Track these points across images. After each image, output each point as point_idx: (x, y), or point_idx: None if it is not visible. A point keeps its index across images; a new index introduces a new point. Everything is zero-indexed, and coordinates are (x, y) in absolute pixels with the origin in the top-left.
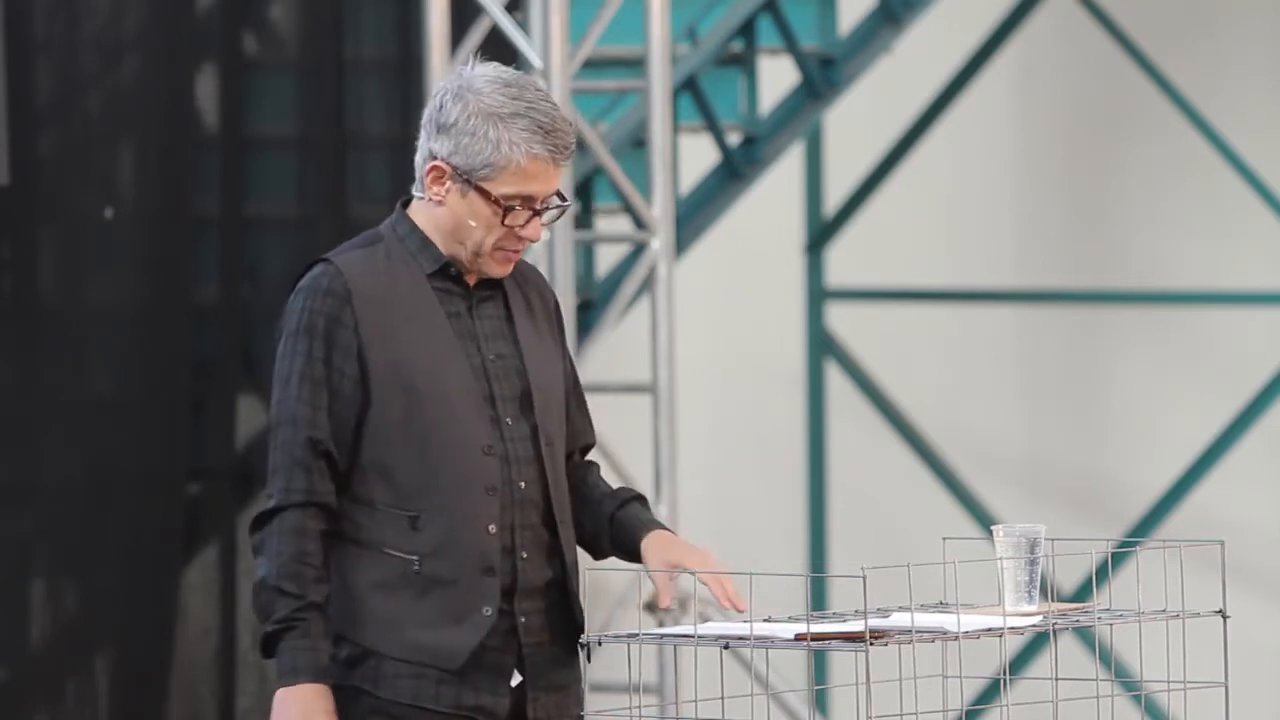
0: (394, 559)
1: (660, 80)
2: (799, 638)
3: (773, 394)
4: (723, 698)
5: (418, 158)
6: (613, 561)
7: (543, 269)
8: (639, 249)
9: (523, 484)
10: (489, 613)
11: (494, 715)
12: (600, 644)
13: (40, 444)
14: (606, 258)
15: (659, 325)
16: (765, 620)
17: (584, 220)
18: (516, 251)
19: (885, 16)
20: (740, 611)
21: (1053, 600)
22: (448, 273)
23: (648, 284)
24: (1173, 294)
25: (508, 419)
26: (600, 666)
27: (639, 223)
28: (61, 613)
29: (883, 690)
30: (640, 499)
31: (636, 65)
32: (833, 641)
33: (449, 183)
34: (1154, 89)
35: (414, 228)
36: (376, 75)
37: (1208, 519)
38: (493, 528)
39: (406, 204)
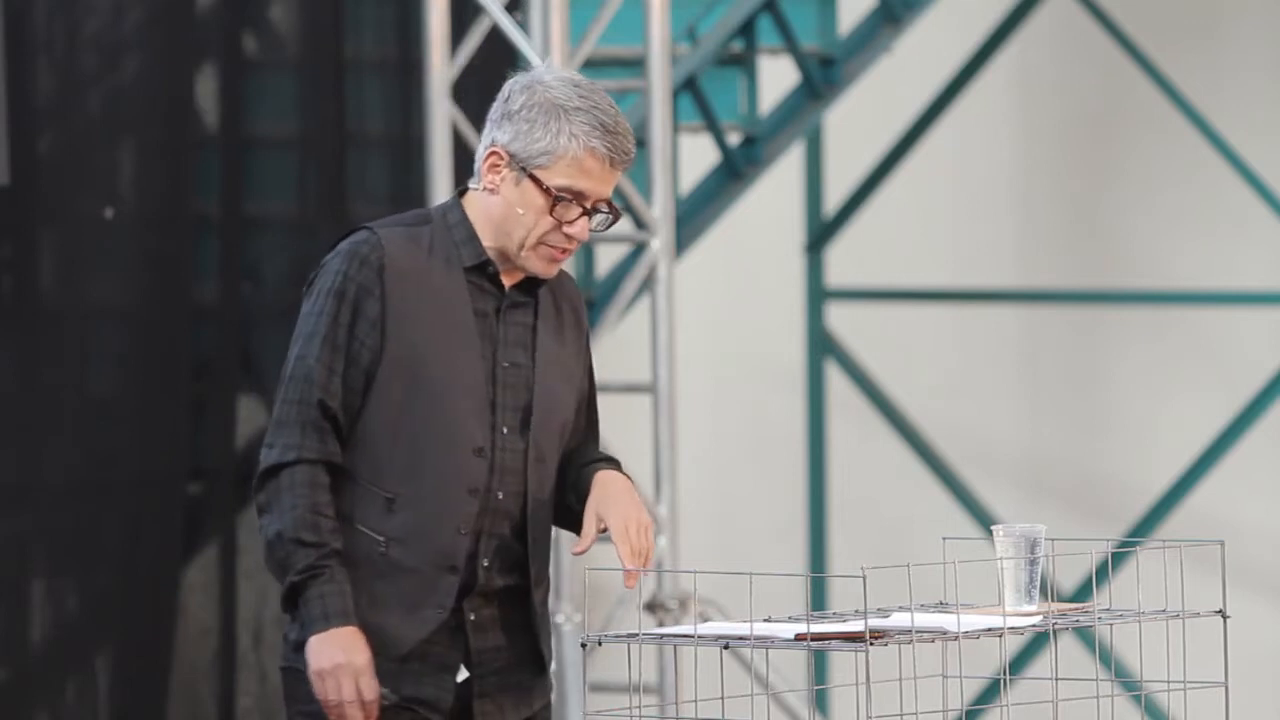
0: (363, 536)
1: (660, 80)
2: (799, 638)
3: (773, 394)
4: (723, 698)
5: (479, 149)
6: (613, 561)
7: None
8: (639, 249)
9: (500, 494)
10: (441, 610)
11: (435, 707)
12: (600, 644)
13: (40, 444)
14: (606, 258)
15: (659, 325)
16: (765, 620)
17: None
18: (563, 251)
19: (885, 16)
20: (634, 575)
21: (1053, 600)
22: (485, 270)
23: (648, 284)
24: (1172, 294)
25: (504, 428)
26: (600, 666)
27: (639, 223)
28: (61, 613)
29: (883, 690)
30: (613, 460)
31: (636, 65)
32: (833, 641)
33: (504, 170)
34: (1154, 89)
35: (464, 218)
36: (376, 75)
37: (1208, 519)
38: (463, 529)
39: (464, 193)
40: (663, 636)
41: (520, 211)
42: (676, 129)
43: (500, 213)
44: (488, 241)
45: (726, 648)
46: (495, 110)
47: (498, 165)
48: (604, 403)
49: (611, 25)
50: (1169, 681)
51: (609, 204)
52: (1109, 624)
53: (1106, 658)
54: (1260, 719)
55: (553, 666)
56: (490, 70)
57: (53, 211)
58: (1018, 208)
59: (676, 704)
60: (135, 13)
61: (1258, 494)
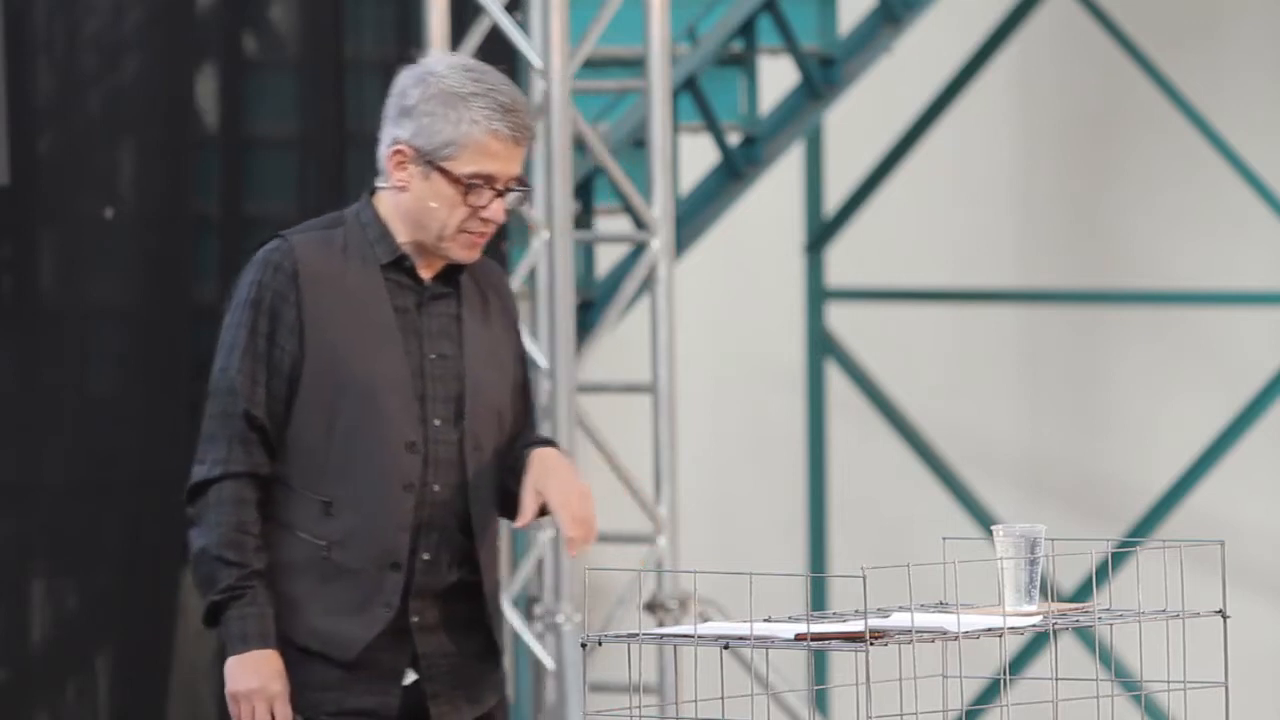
0: (304, 542)
1: (660, 80)
2: (799, 638)
3: (773, 394)
4: (723, 698)
5: (381, 147)
6: (613, 561)
7: (542, 269)
8: (639, 249)
9: (437, 487)
10: (389, 609)
11: (379, 716)
12: (600, 644)
13: (40, 444)
14: (606, 258)
15: (659, 325)
16: (765, 620)
17: (584, 220)
18: (482, 235)
19: (885, 16)
20: (576, 543)
21: (1053, 600)
22: (402, 266)
23: (648, 284)
24: (1172, 294)
25: (436, 420)
26: (600, 666)
27: (639, 223)
28: (61, 613)
29: (883, 690)
30: (548, 440)
31: (636, 65)
32: (833, 641)
33: (411, 166)
34: (1154, 89)
35: (376, 217)
36: (376, 75)
37: (1208, 519)
38: (404, 524)
39: (374, 192)
40: (663, 636)
41: (434, 205)
42: (676, 129)
43: (413, 208)
44: (403, 237)
45: (726, 648)
46: (391, 107)
47: (403, 162)
48: (604, 403)
49: (611, 25)
50: (1169, 681)
51: (519, 180)
52: (1109, 624)
53: (1106, 658)
54: (1260, 719)
55: (552, 666)
56: None
57: (53, 211)
58: (1018, 208)
59: (676, 704)
60: (135, 13)
61: (1258, 494)
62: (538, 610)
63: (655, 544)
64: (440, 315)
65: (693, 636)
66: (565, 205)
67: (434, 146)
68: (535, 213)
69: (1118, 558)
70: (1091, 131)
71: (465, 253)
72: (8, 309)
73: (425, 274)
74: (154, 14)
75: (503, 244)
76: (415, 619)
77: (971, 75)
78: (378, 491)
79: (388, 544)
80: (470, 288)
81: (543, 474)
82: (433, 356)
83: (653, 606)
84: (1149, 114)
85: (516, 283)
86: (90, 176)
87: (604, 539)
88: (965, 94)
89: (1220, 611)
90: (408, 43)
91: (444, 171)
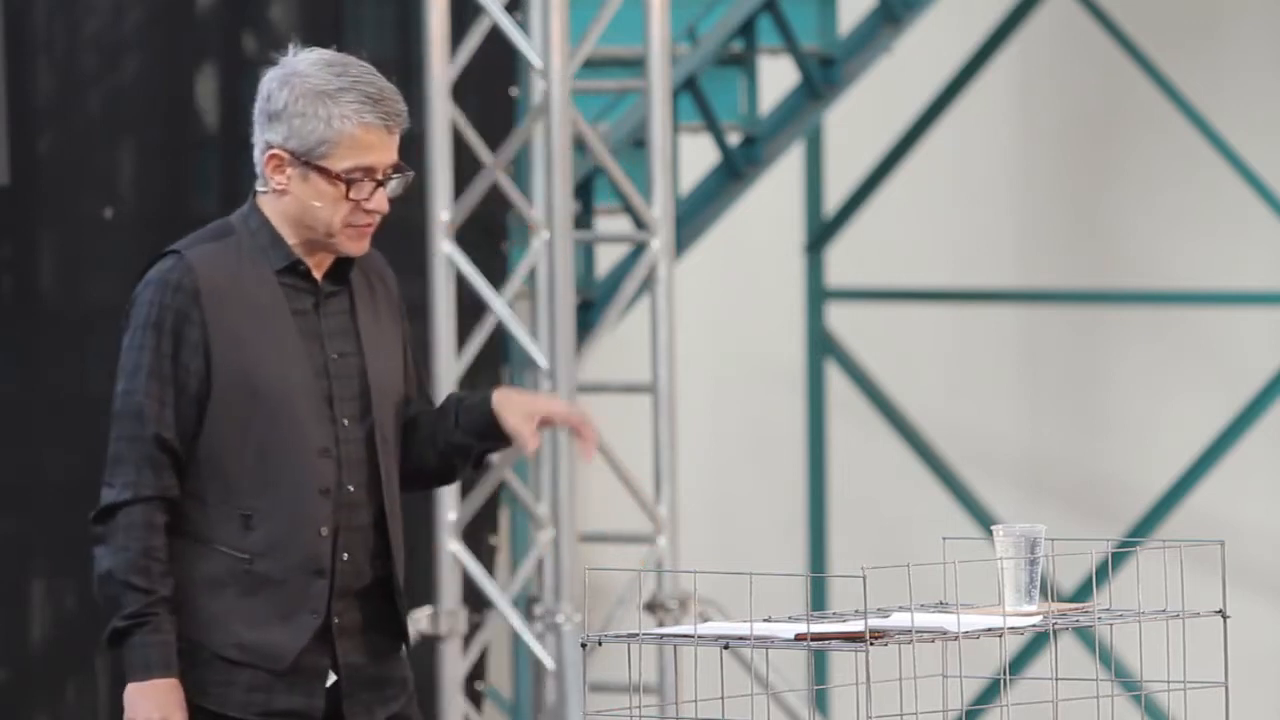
0: (225, 556)
1: (660, 80)
2: (799, 638)
3: (773, 394)
4: (723, 698)
5: (255, 152)
6: (613, 561)
7: (542, 269)
8: (639, 249)
9: (352, 487)
10: (316, 615)
11: (307, 716)
12: (600, 644)
13: (40, 444)
14: (606, 258)
15: (659, 325)
16: (765, 620)
17: (584, 220)
18: (368, 226)
19: (885, 16)
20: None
21: (1053, 600)
22: (296, 270)
23: (648, 284)
24: (1172, 294)
25: (345, 420)
26: (600, 666)
27: (639, 223)
28: (61, 613)
29: (883, 690)
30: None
31: (636, 65)
32: (833, 641)
33: (289, 169)
34: (1154, 89)
35: (265, 222)
36: None
37: (1208, 519)
38: (324, 530)
39: (258, 195)
40: (663, 636)
41: (317, 204)
42: (676, 129)
43: (297, 210)
44: (293, 240)
45: (726, 648)
46: (259, 111)
47: (280, 166)
48: (604, 403)
49: (611, 25)
50: (1169, 681)
51: (398, 166)
52: (1109, 624)
53: (1106, 658)
54: (1260, 719)
55: (552, 666)
56: (490, 70)
57: (53, 211)
58: (1018, 208)
59: (676, 704)
60: (135, 13)
61: (1258, 494)
62: (538, 610)
63: (655, 544)
64: (336, 314)
65: (693, 636)
66: (565, 205)
67: (308, 147)
68: (535, 213)
69: (1118, 558)
70: (1091, 131)
71: (355, 245)
72: (8, 309)
73: (317, 273)
74: (154, 14)
75: (503, 244)
76: (337, 620)
77: (971, 75)
78: (296, 499)
79: (311, 550)
80: (359, 281)
81: (521, 403)
82: (335, 356)
83: (653, 606)
84: (1149, 114)
85: (516, 283)
86: (90, 176)
87: (604, 539)
88: (965, 94)
89: (1220, 611)
90: (408, 43)
91: (322, 170)
